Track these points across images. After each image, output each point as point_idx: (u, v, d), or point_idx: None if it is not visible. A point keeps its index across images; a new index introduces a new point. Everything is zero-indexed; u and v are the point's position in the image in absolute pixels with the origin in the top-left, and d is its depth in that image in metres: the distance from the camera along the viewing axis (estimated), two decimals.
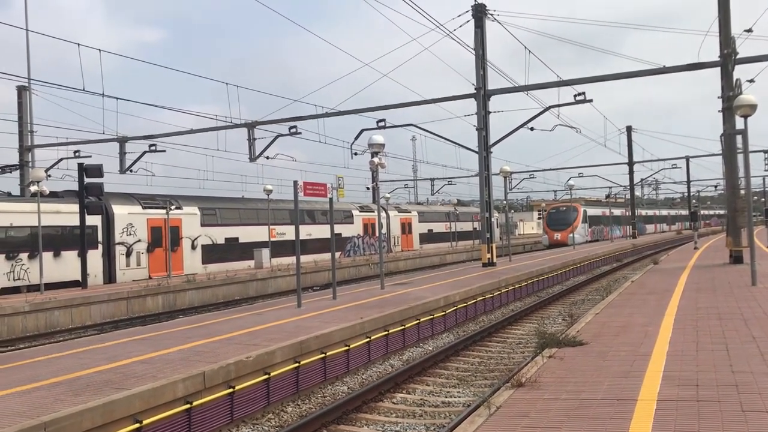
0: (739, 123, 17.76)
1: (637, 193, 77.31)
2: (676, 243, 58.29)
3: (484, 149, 26.89)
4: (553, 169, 63.24)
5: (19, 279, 24.16)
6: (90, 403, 6.86)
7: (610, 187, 77.20)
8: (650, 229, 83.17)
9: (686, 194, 76.97)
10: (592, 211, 59.03)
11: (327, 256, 36.40)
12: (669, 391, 6.64)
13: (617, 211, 65.81)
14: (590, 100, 25.68)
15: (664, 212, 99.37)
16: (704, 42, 26.89)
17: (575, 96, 25.71)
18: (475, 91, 26.71)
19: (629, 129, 59.89)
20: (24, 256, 24.31)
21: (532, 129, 28.22)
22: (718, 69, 22.63)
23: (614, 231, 62.29)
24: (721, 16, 22.10)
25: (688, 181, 74.02)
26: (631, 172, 60.39)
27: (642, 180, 79.87)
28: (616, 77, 25.57)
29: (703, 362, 7.89)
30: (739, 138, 20.06)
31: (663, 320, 11.30)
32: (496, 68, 28.77)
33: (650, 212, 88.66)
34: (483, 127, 26.70)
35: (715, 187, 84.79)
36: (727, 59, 22.05)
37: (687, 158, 69.04)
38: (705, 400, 6.29)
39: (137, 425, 7.11)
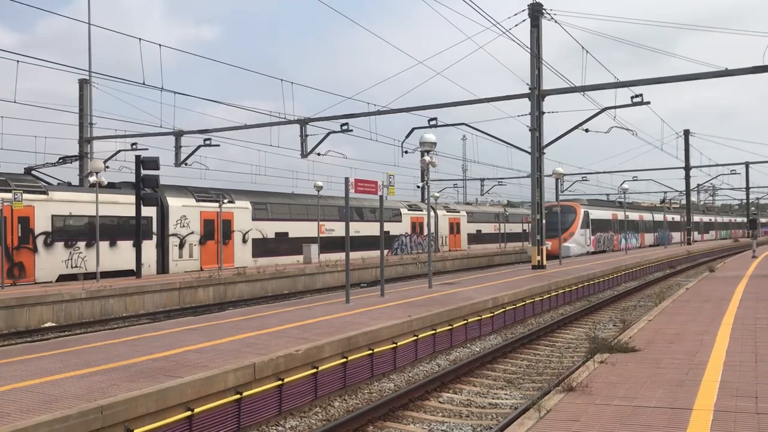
0: None
1: (693, 198, 75.39)
2: (733, 251, 56.63)
3: (537, 150, 26.58)
4: (607, 172, 62.11)
5: (76, 267, 24.89)
6: (144, 389, 7.02)
7: (665, 192, 75.56)
8: (678, 237, 66.78)
9: (744, 201, 74.88)
10: (597, 214, 46.45)
11: (375, 253, 36.52)
12: (726, 402, 6.46)
13: (634, 215, 54.64)
14: (648, 102, 25.14)
15: (709, 218, 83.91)
16: None
17: (632, 98, 25.20)
18: (529, 91, 26.42)
19: (687, 132, 58.44)
20: (82, 244, 25.02)
21: (587, 131, 27.76)
22: None
23: (630, 239, 51.21)
24: None
25: (747, 188, 71.95)
26: (687, 177, 58.92)
27: (699, 185, 77.91)
28: (677, 79, 24.96)
29: (762, 374, 7.65)
30: None
31: (719, 329, 10.99)
32: (552, 68, 28.43)
33: (679, 217, 70.57)
34: (536, 128, 26.40)
35: None
36: None
37: (747, 164, 67.15)
38: (765, 413, 6.09)
39: (189, 413, 7.25)
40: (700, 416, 6.02)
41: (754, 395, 6.70)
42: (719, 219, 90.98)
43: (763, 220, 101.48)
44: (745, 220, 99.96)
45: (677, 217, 67.92)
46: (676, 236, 66.39)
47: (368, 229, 38.93)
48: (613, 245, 48.71)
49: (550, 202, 43.91)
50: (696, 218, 72.50)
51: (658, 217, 62.23)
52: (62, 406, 6.37)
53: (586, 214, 43.02)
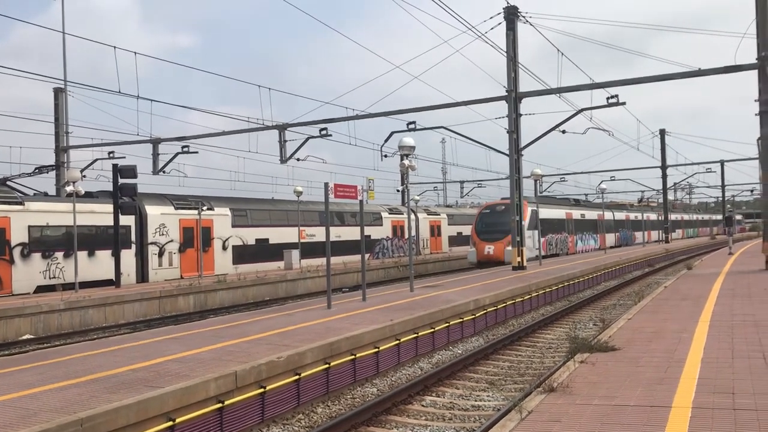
0: None
1: (671, 197, 76.19)
2: (710, 248, 57.33)
3: (515, 152, 26.74)
4: (585, 173, 62.85)
5: (54, 277, 24.62)
6: (125, 400, 6.96)
7: (643, 191, 76.37)
8: (640, 237, 61.85)
9: (720, 198, 75.80)
10: (548, 213, 40.31)
11: (356, 257, 36.48)
12: (704, 399, 6.54)
13: (593, 213, 49.59)
14: (623, 103, 25.42)
15: (675, 216, 77.45)
16: (741, 44, 26.43)
17: (608, 99, 25.46)
18: (506, 94, 26.59)
19: (663, 132, 59.11)
20: (59, 255, 24.76)
21: (563, 132, 28.03)
22: (755, 72, 22.25)
23: (587, 241, 47.28)
24: (759, 18, 21.73)
25: (723, 185, 72.92)
26: (664, 176, 59.59)
27: (675, 184, 78.80)
28: (651, 80, 25.25)
29: (739, 370, 7.75)
30: None
31: (697, 326, 11.13)
32: (528, 70, 28.59)
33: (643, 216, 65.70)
34: (514, 130, 26.56)
35: (751, 191, 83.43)
36: (765, 62, 21.66)
37: (722, 162, 68.07)
38: (742, 408, 6.18)
39: (170, 423, 7.20)
40: (678, 414, 6.10)
41: (731, 391, 6.79)
42: (686, 217, 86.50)
43: (737, 217, 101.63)
44: (711, 217, 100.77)
45: (640, 216, 63.52)
46: (639, 236, 61.37)
47: (349, 233, 38.91)
48: (567, 248, 42.81)
49: (492, 201, 39.96)
50: (656, 217, 69.16)
51: (620, 215, 58.78)
52: (41, 420, 6.30)
53: (535, 213, 36.30)
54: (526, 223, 33.23)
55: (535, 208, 36.07)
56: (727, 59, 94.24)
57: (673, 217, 74.14)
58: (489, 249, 34.66)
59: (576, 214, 45.91)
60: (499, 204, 36.53)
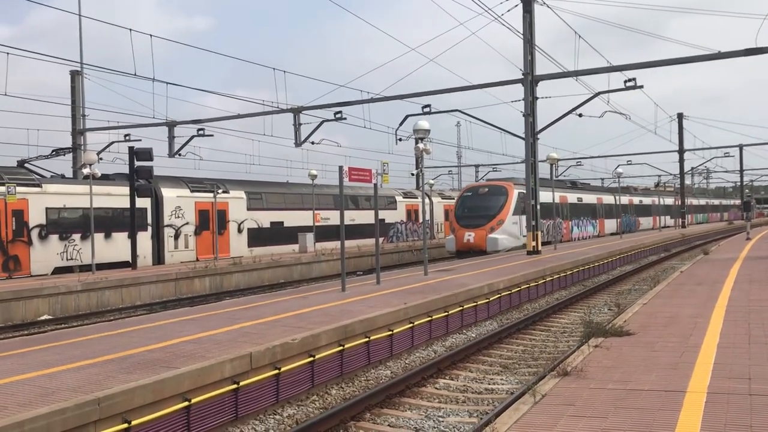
0: None
1: (688, 181, 75.46)
2: (728, 233, 56.83)
3: (531, 135, 26.58)
4: (601, 157, 62.25)
5: (71, 259, 24.87)
6: (141, 380, 7.04)
7: (659, 176, 75.74)
8: (646, 223, 58.12)
9: (738, 183, 74.98)
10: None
11: (370, 241, 36.53)
12: (719, 384, 6.51)
13: (591, 197, 45.40)
14: (641, 86, 25.16)
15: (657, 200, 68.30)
16: (762, 26, 26.02)
17: (625, 82, 25.21)
18: (522, 77, 26.38)
19: (680, 116, 58.48)
20: (77, 236, 24.99)
21: (580, 115, 27.80)
22: None
23: (584, 227, 43.13)
24: None
25: (741, 170, 72.17)
26: (681, 161, 59.02)
27: (693, 168, 78.06)
28: (669, 63, 24.96)
29: (755, 355, 7.71)
30: None
31: (713, 312, 11.06)
32: (545, 53, 28.34)
33: (649, 200, 61.37)
34: (530, 113, 26.38)
35: None
36: None
37: (740, 146, 67.32)
38: (758, 393, 6.15)
39: (186, 403, 7.28)
40: (693, 398, 6.07)
41: (747, 377, 6.75)
42: (694, 201, 79.55)
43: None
44: (722, 202, 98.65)
45: (646, 200, 59.61)
46: (645, 222, 57.46)
47: (363, 217, 38.93)
48: (561, 235, 38.46)
49: (475, 183, 35.07)
50: (670, 201, 65.81)
51: (623, 200, 52.92)
52: (59, 399, 6.39)
53: (521, 196, 31.41)
54: (510, 206, 31.11)
55: (523, 191, 30.93)
56: (747, 42, 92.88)
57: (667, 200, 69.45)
58: (469, 236, 30.40)
59: (572, 197, 41.80)
60: (482, 185, 32.99)
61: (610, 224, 48.35)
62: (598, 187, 51.43)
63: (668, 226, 61.47)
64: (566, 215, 40.04)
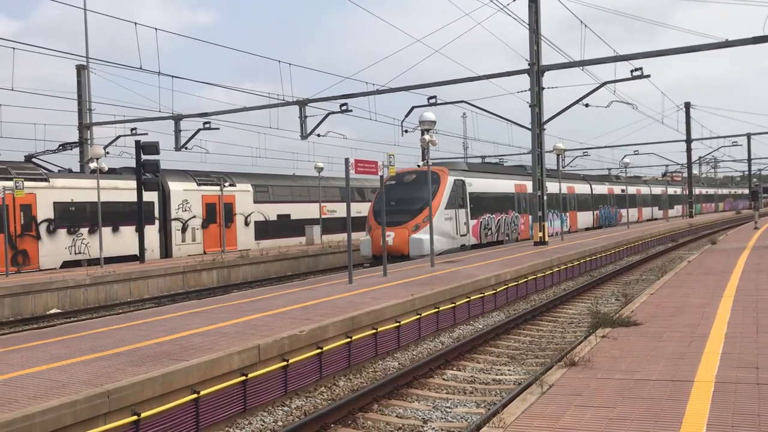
0: None
1: (695, 171, 75.11)
2: (735, 223, 56.59)
3: (537, 126, 26.49)
4: (608, 147, 61.87)
5: (80, 253, 24.99)
6: (150, 373, 7.08)
7: (667, 165, 75.39)
8: (630, 215, 47.80)
9: (746, 173, 74.54)
10: (482, 185, 28.50)
11: None
12: (727, 374, 6.50)
13: (561, 186, 34.45)
14: (648, 76, 24.99)
15: (674, 190, 65.57)
16: None
17: (632, 71, 25.06)
18: (528, 67, 26.27)
19: (687, 105, 58.12)
20: (84, 230, 25.10)
21: (587, 105, 27.67)
22: None
23: (550, 221, 31.90)
24: None
25: (749, 159, 71.79)
26: (689, 150, 58.70)
27: (700, 158, 77.67)
28: (676, 51, 24.79)
29: (763, 345, 7.69)
30: None
31: (721, 301, 11.04)
32: (551, 43, 28.21)
33: (639, 190, 55.41)
34: (536, 104, 26.28)
35: None
36: None
37: (748, 135, 66.92)
38: (766, 383, 6.14)
39: (195, 395, 7.32)
40: (701, 388, 6.07)
41: (755, 366, 6.74)
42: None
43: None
44: (717, 191, 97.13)
45: (632, 189, 52.43)
46: (628, 214, 46.69)
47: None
48: (517, 232, 31.47)
49: (403, 168, 27.01)
50: (658, 190, 60.90)
51: (600, 189, 46.17)
52: (69, 392, 6.44)
53: (458, 185, 25.97)
54: (443, 199, 24.69)
55: (460, 179, 26.23)
56: (755, 29, 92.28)
57: (672, 191, 65.82)
58: (388, 237, 22.20)
59: (531, 186, 29.79)
60: (410, 171, 26.06)
61: (584, 217, 42.52)
62: (568, 174, 44.90)
63: (655, 219, 57.22)
64: (524, 208, 32.46)
